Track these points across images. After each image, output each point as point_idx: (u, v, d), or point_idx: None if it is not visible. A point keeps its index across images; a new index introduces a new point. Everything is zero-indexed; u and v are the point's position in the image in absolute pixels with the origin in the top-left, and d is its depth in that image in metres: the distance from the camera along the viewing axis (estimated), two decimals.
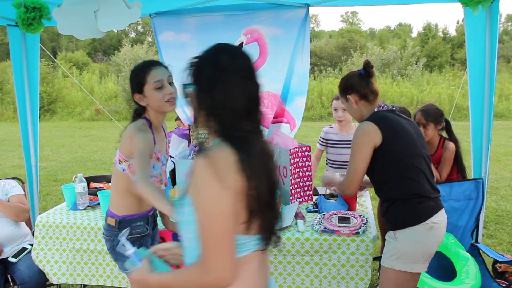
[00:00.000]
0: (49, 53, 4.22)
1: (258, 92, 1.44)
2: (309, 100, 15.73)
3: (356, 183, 2.35)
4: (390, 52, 20.30)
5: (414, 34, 40.57)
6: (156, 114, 2.31)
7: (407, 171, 2.22)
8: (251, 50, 3.48)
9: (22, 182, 3.61)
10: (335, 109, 3.55)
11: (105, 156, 9.49)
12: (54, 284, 3.12)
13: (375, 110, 2.38)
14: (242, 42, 3.47)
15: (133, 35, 34.41)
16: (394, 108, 2.43)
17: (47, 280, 3.04)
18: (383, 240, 3.57)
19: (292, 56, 3.40)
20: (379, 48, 21.63)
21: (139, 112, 2.34)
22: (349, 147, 3.53)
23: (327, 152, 3.72)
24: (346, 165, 3.40)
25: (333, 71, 20.30)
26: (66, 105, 17.57)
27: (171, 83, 2.29)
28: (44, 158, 9.06)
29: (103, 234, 2.43)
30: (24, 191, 3.54)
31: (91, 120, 16.21)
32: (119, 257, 2.37)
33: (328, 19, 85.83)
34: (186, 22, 3.63)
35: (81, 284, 3.21)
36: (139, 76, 2.25)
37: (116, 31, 38.17)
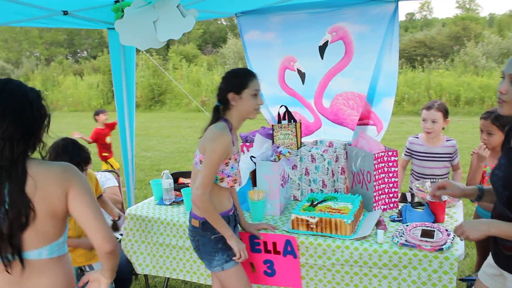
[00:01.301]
0: (147, 55, 4.45)
1: None
2: (416, 94, 15.00)
3: None
4: (510, 41, 18.66)
5: None
6: (239, 118, 2.46)
7: None
8: (336, 49, 3.39)
9: (118, 175, 3.84)
10: (424, 120, 3.34)
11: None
12: (139, 274, 3.30)
13: None
14: (327, 41, 3.37)
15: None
16: None
17: (134, 270, 3.21)
18: (480, 256, 3.29)
19: (379, 54, 3.23)
20: (498, 36, 19.97)
21: (219, 113, 2.47)
22: (435, 160, 3.32)
23: (411, 163, 3.53)
24: (429, 178, 3.19)
25: (443, 63, 19.13)
26: (174, 96, 18.52)
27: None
28: (150, 148, 9.61)
29: (188, 234, 2.56)
30: (119, 183, 3.77)
31: (197, 111, 16.92)
32: (205, 256, 2.49)
33: (443, 6, 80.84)
34: (271, 21, 3.61)
35: (164, 277, 3.37)
36: (243, 79, 2.42)
37: (224, 23, 39.38)
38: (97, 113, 6.65)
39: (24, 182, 1.63)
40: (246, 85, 2.40)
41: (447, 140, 3.43)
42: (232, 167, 2.42)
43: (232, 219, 2.55)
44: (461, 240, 2.01)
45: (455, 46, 21.82)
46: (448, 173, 3.44)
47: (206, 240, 2.46)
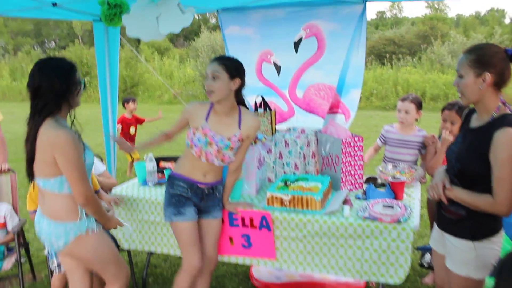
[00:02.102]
0: (128, 44, 4.64)
1: None
2: (384, 90, 15.48)
3: None
4: (474, 41, 19.39)
5: (507, 21, 38.19)
6: (221, 103, 2.71)
7: None
8: (310, 45, 3.68)
9: (101, 159, 4.05)
10: (399, 110, 3.67)
11: (180, 138, 9.99)
12: (124, 250, 3.53)
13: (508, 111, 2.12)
14: (302, 37, 3.66)
15: (213, 21, 35.24)
16: None
17: (119, 245, 3.44)
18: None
19: (348, 50, 3.53)
20: (463, 37, 20.70)
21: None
22: (406, 147, 3.65)
23: (385, 149, 3.85)
24: (398, 163, 3.52)
25: (411, 60, 19.72)
26: (146, 88, 18.54)
27: (214, 77, 2.63)
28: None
29: None
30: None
31: (169, 103, 17.01)
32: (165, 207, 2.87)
33: (413, 5, 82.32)
34: (250, 17, 3.86)
35: (146, 256, 3.62)
36: None
37: (197, 17, 39.25)
38: (126, 101, 6.55)
39: (36, 133, 2.25)
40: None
41: (419, 131, 3.75)
42: (198, 139, 2.70)
43: (200, 191, 2.82)
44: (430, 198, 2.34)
45: (422, 45, 22.46)
46: (416, 160, 3.77)
47: (166, 193, 2.86)
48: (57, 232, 2.38)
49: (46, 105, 2.27)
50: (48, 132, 2.23)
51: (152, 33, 3.11)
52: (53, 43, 46.77)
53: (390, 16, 50.36)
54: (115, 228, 2.68)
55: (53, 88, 2.26)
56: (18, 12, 3.87)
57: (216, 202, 2.93)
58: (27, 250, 3.78)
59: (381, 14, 51.12)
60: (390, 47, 24.08)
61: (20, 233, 3.56)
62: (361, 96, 12.45)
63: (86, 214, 2.44)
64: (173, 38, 34.90)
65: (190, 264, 2.80)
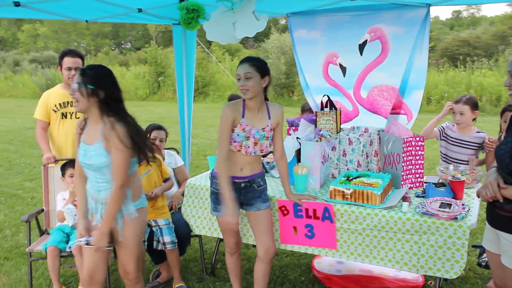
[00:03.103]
0: (204, 47, 5.00)
1: None
2: (456, 93, 15.03)
3: None
4: None
5: None
6: (253, 99, 2.96)
7: None
8: (374, 47, 3.83)
9: (177, 152, 4.41)
10: (454, 112, 3.76)
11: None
12: (196, 235, 3.86)
13: None
14: (366, 40, 3.82)
15: (283, 21, 35.54)
16: None
17: (191, 231, 3.77)
18: None
19: (411, 52, 3.64)
20: None
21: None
22: (462, 147, 3.71)
23: (440, 146, 3.93)
24: (456, 162, 3.60)
25: (487, 62, 18.95)
26: (217, 88, 19.14)
27: (247, 78, 2.89)
28: (196, 136, 10.21)
29: None
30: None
31: None
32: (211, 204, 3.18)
33: (493, 3, 78.21)
34: (317, 21, 4.06)
35: (217, 239, 3.93)
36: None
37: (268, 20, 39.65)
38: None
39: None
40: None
41: (477, 132, 3.82)
42: (238, 135, 2.94)
43: (237, 186, 3.04)
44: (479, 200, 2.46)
45: (500, 46, 21.50)
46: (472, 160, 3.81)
47: (210, 189, 3.17)
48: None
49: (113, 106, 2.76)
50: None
51: (229, 37, 3.46)
52: (129, 44, 48.98)
53: (466, 16, 48.26)
54: None
55: (113, 92, 2.75)
56: (109, 18, 4.32)
57: (257, 194, 3.12)
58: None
59: (457, 13, 49.03)
60: (465, 49, 23.18)
61: None
62: (431, 99, 12.19)
63: None
64: (243, 40, 35.59)
65: (226, 245, 3.28)
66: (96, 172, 2.75)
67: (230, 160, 3.00)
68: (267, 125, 3.01)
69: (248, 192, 3.10)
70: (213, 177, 3.09)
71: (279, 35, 21.19)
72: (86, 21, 4.49)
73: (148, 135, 3.83)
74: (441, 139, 3.91)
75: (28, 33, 43.42)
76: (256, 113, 3.01)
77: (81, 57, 4.21)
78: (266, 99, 3.07)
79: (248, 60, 2.92)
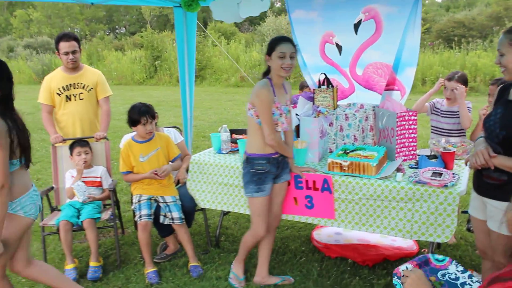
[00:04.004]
0: (202, 27, 5.12)
1: None
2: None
3: None
4: None
5: None
6: (275, 76, 3.12)
7: None
8: (368, 26, 3.98)
9: (180, 130, 4.57)
10: (445, 88, 3.95)
11: (246, 119, 10.51)
12: (201, 209, 4.05)
13: None
14: (361, 19, 3.97)
15: (278, 5, 35.39)
16: None
17: (196, 205, 3.95)
18: None
19: (404, 31, 3.80)
20: None
21: (266, 72, 3.18)
22: (452, 117, 3.91)
23: (431, 120, 4.12)
24: (446, 132, 3.78)
25: (482, 43, 19.05)
26: (214, 71, 19.20)
27: (292, 57, 3.04)
28: (195, 118, 10.29)
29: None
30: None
31: (236, 86, 17.59)
32: (243, 183, 3.26)
33: None
34: (314, 2, 4.17)
35: (221, 212, 4.13)
36: (272, 44, 3.08)
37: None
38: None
39: None
40: (274, 49, 3.03)
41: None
42: (273, 113, 3.09)
43: (275, 161, 3.20)
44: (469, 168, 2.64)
45: (495, 27, 21.58)
46: (461, 129, 3.99)
47: (246, 172, 3.21)
48: None
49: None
50: None
51: (234, 16, 3.64)
52: (123, 29, 48.73)
53: None
54: None
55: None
56: (113, 0, 4.43)
57: (286, 165, 3.33)
58: (118, 208, 4.38)
59: None
60: (460, 30, 23.23)
61: (113, 192, 4.13)
62: (426, 80, 12.32)
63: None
64: (238, 23, 35.51)
65: (256, 232, 3.28)
66: None
67: (262, 138, 3.14)
68: (288, 100, 3.23)
69: (284, 166, 3.29)
70: (252, 158, 3.18)
71: (275, 17, 21.24)
72: (92, 3, 4.60)
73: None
74: (432, 113, 4.10)
75: (21, 18, 43.07)
76: (280, 90, 3.19)
77: (76, 39, 4.33)
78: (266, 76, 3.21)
79: (290, 40, 3.09)
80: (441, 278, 2.05)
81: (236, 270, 3.51)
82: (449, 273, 2.08)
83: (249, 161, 3.19)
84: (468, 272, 2.08)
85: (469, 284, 2.02)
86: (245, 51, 20.39)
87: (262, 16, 22.31)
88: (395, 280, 1.98)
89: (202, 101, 13.41)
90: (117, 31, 48.55)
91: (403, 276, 1.90)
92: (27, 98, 16.02)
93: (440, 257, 2.13)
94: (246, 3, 3.49)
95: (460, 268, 2.09)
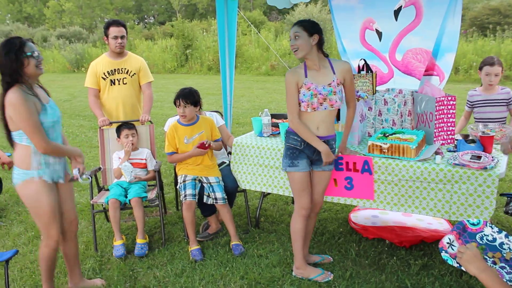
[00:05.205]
0: (243, 16, 5.24)
1: None
2: None
3: None
4: None
5: None
6: (308, 57, 3.14)
7: None
8: (408, 12, 4.04)
9: (221, 114, 4.72)
10: (488, 74, 3.97)
11: (279, 106, 10.66)
12: (242, 190, 4.21)
13: None
14: (401, 6, 4.03)
15: None
16: None
17: (238, 186, 4.11)
18: None
19: (444, 17, 3.84)
20: None
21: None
22: (492, 105, 3.95)
23: (473, 112, 4.16)
24: (490, 121, 3.84)
25: None
26: (244, 60, 19.33)
27: (296, 37, 3.11)
28: None
29: None
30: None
31: (266, 74, 17.69)
32: (283, 157, 3.32)
33: None
34: None
35: (261, 193, 4.27)
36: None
37: None
38: None
39: (2, 100, 2.81)
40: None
41: (501, 89, 4.06)
42: (304, 94, 3.12)
43: (311, 144, 3.20)
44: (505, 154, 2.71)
45: None
46: (505, 117, 4.04)
47: (284, 146, 3.31)
48: (13, 175, 2.95)
49: (3, 80, 2.81)
50: (6, 96, 2.77)
51: (285, 2, 3.77)
52: (152, 18, 49.23)
53: None
54: (78, 158, 3.19)
55: (5, 65, 2.75)
56: None
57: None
58: (162, 188, 4.57)
59: None
60: (495, 18, 22.69)
61: (158, 173, 4.32)
62: (459, 69, 12.18)
63: (40, 164, 2.91)
64: (266, 12, 35.45)
65: (300, 206, 3.32)
66: None
67: (301, 118, 3.18)
68: (333, 80, 3.15)
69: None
70: (288, 133, 3.26)
71: (305, 6, 21.17)
72: None
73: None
74: (473, 109, 4.16)
75: (54, 9, 44.03)
76: (319, 71, 3.16)
77: (124, 26, 4.57)
78: (325, 56, 3.23)
79: (297, 22, 3.14)
80: (481, 242, 2.15)
81: (309, 271, 3.41)
82: (486, 235, 2.17)
83: (287, 135, 3.29)
84: (504, 232, 2.16)
85: (507, 244, 2.10)
86: (275, 40, 20.43)
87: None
88: (444, 254, 2.08)
89: (234, 89, 13.41)
90: (146, 20, 49.11)
91: (458, 251, 1.97)
92: (63, 86, 16.51)
93: (475, 220, 2.22)
94: None
95: (496, 229, 2.18)
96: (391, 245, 3.84)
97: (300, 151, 3.24)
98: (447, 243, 2.11)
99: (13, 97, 2.73)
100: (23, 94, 2.76)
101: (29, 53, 2.80)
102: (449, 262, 2.04)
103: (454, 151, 3.47)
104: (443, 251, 2.10)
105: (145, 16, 50.02)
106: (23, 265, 3.80)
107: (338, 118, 3.84)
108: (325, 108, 3.15)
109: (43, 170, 2.93)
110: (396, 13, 4.10)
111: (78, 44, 24.90)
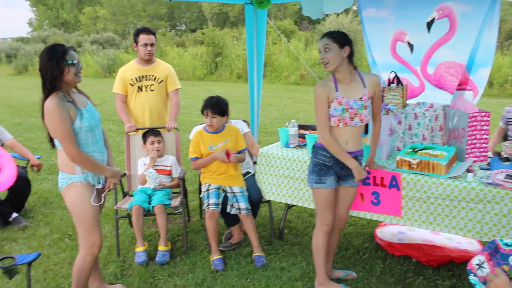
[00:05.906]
0: (273, 25, 5.22)
1: None
2: None
3: None
4: None
5: None
6: (339, 70, 3.04)
7: None
8: (442, 25, 3.94)
9: (248, 123, 4.69)
10: None
11: (307, 116, 10.58)
12: (267, 201, 4.15)
13: None
14: (434, 18, 3.93)
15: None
16: None
17: (262, 197, 4.06)
18: None
19: (480, 30, 3.71)
20: None
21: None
22: None
23: (508, 130, 4.02)
24: None
25: None
26: (274, 69, 19.32)
27: (326, 50, 3.02)
28: None
29: None
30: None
31: (295, 84, 17.64)
32: (308, 172, 3.22)
33: None
34: (386, 0, 4.19)
35: (285, 205, 4.21)
36: None
37: None
38: None
39: (42, 106, 2.86)
40: None
41: None
42: (335, 109, 3.00)
43: (339, 161, 3.09)
44: None
45: None
46: None
47: (311, 161, 3.22)
48: (58, 179, 3.00)
49: (44, 85, 2.84)
50: (45, 104, 2.81)
51: (318, 12, 3.76)
52: (184, 26, 49.87)
53: None
54: (116, 180, 3.14)
55: (46, 71, 2.79)
56: None
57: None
58: (186, 196, 4.56)
59: None
60: None
61: (183, 180, 4.31)
62: (493, 83, 11.90)
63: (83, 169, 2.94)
64: (297, 21, 35.48)
65: (323, 223, 3.23)
66: None
67: (331, 133, 3.06)
68: (364, 94, 3.05)
69: (349, 168, 3.12)
70: (317, 148, 3.15)
71: (336, 17, 21.07)
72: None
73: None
74: (508, 125, 4.01)
75: (89, 15, 45.06)
76: (349, 84, 3.06)
77: (154, 34, 4.61)
78: (355, 68, 3.11)
79: (327, 34, 3.03)
80: None
81: (331, 286, 3.32)
82: None
83: (314, 150, 3.19)
84: None
85: None
86: (305, 50, 20.38)
87: None
88: (472, 278, 1.98)
89: (262, 98, 13.29)
90: (178, 28, 49.77)
91: (487, 275, 1.87)
92: (94, 90, 16.78)
93: (509, 241, 2.08)
94: (330, 0, 3.58)
95: None
96: (418, 263, 3.72)
97: (328, 168, 3.14)
98: (477, 264, 2.01)
99: (49, 105, 2.79)
100: (59, 101, 2.80)
101: (70, 61, 2.84)
102: (477, 287, 1.94)
103: (487, 169, 3.34)
104: (472, 274, 2.00)
105: (177, 23, 50.73)
106: (46, 266, 3.84)
107: (366, 131, 3.76)
108: (355, 124, 3.05)
109: (87, 174, 2.97)
110: (429, 25, 4.00)
111: (110, 49, 25.40)
